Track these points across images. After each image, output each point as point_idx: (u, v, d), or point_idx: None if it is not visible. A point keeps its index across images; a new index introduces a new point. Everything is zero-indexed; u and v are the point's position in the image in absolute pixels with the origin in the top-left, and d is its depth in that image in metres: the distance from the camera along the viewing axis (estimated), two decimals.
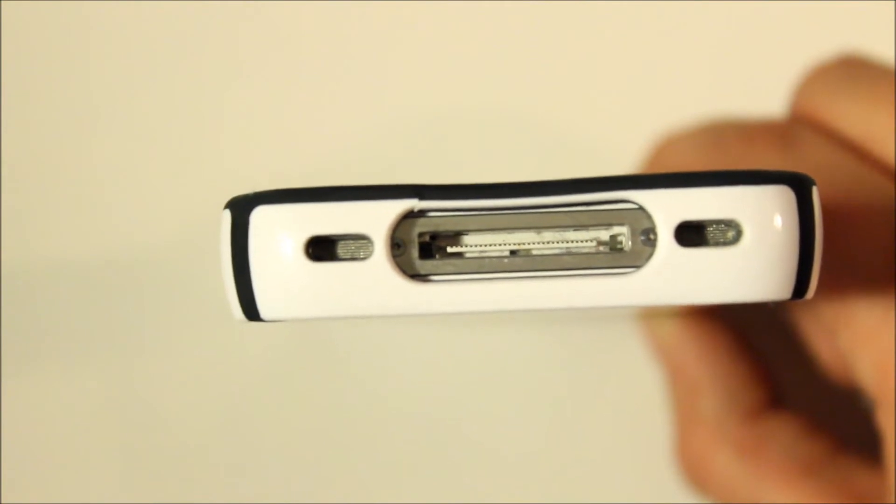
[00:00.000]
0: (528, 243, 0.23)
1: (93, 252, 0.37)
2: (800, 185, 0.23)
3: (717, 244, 0.23)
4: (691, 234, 0.23)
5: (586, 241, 0.23)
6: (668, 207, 0.23)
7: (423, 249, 0.23)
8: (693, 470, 0.34)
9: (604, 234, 0.23)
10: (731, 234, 0.23)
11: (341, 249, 0.23)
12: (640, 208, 0.23)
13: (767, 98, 0.35)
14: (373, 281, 0.23)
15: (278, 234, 0.23)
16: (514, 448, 0.37)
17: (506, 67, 0.38)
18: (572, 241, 0.23)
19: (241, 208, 0.23)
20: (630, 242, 0.23)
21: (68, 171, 0.38)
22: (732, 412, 0.33)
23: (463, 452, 0.37)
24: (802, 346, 0.34)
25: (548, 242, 0.23)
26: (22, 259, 0.37)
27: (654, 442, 0.36)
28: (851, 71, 0.31)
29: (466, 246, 0.23)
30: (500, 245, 0.23)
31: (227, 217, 0.23)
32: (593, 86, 0.38)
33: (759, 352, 0.34)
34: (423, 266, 0.23)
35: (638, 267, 0.23)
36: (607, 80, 0.38)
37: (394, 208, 0.23)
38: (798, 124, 0.32)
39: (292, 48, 0.39)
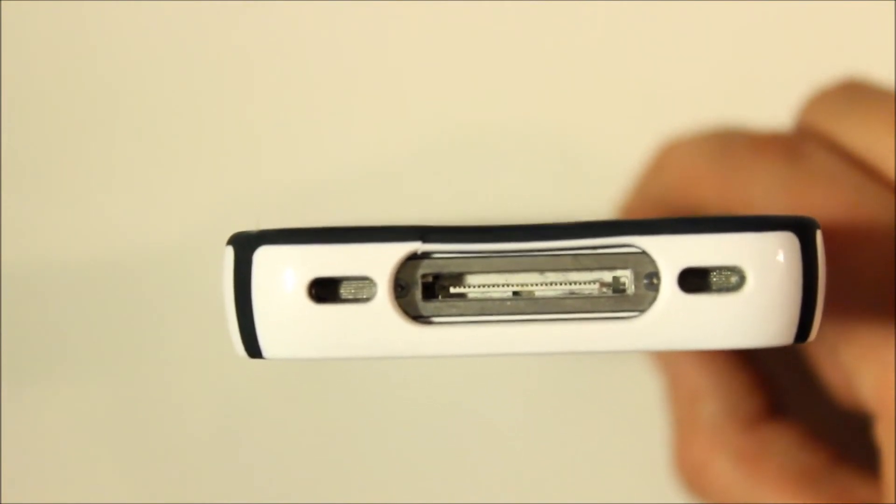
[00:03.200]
0: (532, 284, 0.23)
1: (96, 259, 0.37)
2: (804, 231, 0.23)
3: (720, 290, 0.23)
4: (694, 279, 0.23)
5: (589, 282, 0.23)
6: (671, 253, 0.23)
7: (425, 289, 0.23)
8: (691, 476, 0.34)
9: (607, 276, 0.23)
10: (734, 279, 0.23)
11: (344, 290, 0.23)
12: (644, 253, 0.23)
13: (769, 103, 0.35)
14: (375, 323, 0.23)
15: (282, 275, 0.23)
16: (513, 454, 0.37)
17: (515, 80, 0.38)
18: (575, 283, 0.23)
19: (244, 247, 0.23)
20: (633, 286, 0.23)
21: (73, 177, 0.38)
22: (732, 419, 0.33)
23: (460, 457, 0.37)
24: (802, 356, 0.34)
25: (551, 284, 0.23)
26: (25, 267, 0.37)
27: (653, 448, 0.36)
28: (854, 93, 0.31)
29: (469, 287, 0.23)
30: (502, 286, 0.23)
31: (229, 254, 0.23)
32: (599, 96, 0.38)
33: (759, 360, 0.34)
34: (426, 308, 0.23)
35: (641, 311, 0.23)
36: (612, 90, 0.38)
37: (397, 251, 0.23)
38: (805, 138, 0.32)
39: (305, 59, 0.38)
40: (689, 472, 0.34)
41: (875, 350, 0.29)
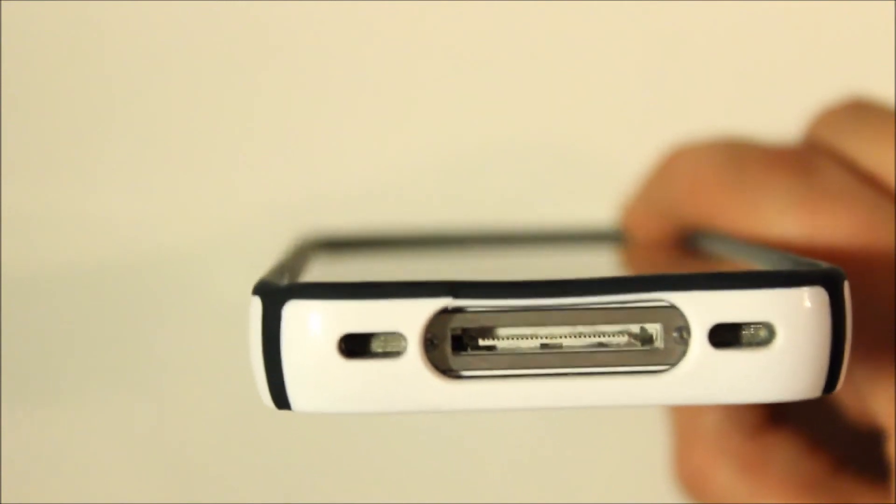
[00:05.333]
0: (560, 336, 0.23)
1: (103, 266, 0.37)
2: (832, 284, 0.23)
3: (749, 345, 0.23)
4: (724, 334, 0.23)
5: (618, 333, 0.23)
6: (702, 309, 0.23)
7: (454, 340, 0.23)
8: (693, 484, 0.34)
9: (635, 329, 0.23)
10: (763, 334, 0.23)
11: (375, 345, 0.23)
12: (674, 307, 0.23)
13: (771, 105, 0.35)
14: (406, 378, 0.23)
15: (312, 330, 0.23)
16: (512, 460, 0.38)
17: (525, 88, 0.38)
18: (604, 336, 0.23)
19: (272, 299, 0.23)
20: (663, 340, 0.23)
21: (79, 180, 0.37)
22: (734, 427, 0.34)
23: (461, 461, 0.38)
24: None
25: (580, 336, 0.23)
26: (29, 271, 0.37)
27: (654, 455, 0.37)
28: (863, 111, 0.31)
29: (499, 339, 0.23)
30: (532, 338, 0.23)
31: (256, 305, 0.23)
32: (607, 105, 0.38)
33: None
34: (455, 361, 0.23)
35: (671, 365, 0.23)
36: (619, 99, 0.38)
37: (428, 307, 0.23)
38: (816, 153, 0.32)
39: (314, 67, 0.38)
40: (690, 479, 0.34)
41: (888, 368, 0.29)
